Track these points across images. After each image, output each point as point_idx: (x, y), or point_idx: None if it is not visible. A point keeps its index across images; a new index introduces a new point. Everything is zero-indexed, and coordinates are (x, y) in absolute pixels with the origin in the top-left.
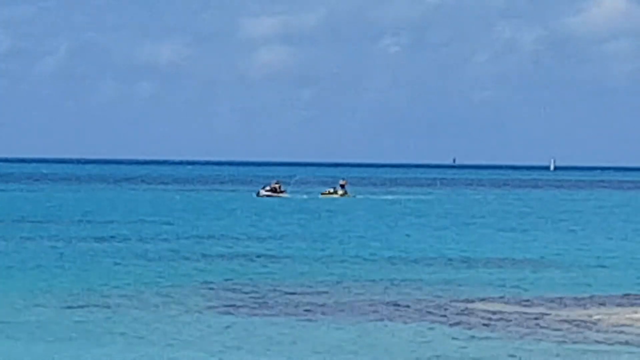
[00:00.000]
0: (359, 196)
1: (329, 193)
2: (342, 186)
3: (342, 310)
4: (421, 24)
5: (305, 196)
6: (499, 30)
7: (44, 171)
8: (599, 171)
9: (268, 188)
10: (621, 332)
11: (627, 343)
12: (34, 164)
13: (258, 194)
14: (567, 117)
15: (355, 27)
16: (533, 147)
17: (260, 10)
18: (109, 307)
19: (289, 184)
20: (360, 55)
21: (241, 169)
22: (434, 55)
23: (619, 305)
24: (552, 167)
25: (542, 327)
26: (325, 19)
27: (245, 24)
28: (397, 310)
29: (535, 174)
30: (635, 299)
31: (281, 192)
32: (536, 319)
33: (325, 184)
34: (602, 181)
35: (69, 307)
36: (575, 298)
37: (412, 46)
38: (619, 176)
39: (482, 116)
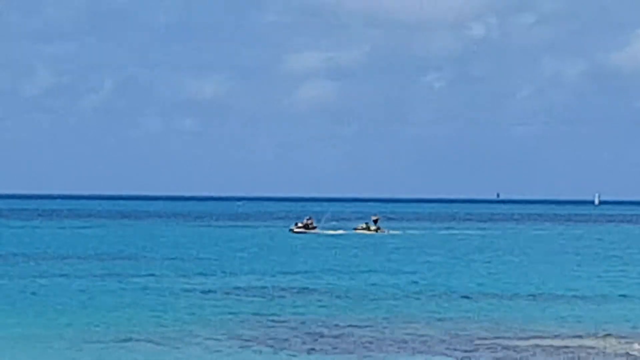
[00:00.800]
0: (392, 231)
1: (362, 229)
2: (375, 221)
3: (394, 346)
4: (465, 58)
5: (337, 232)
6: (543, 64)
7: (98, 208)
8: None
9: (300, 224)
10: None
11: None
12: (81, 201)
13: (291, 230)
14: (612, 151)
15: (398, 62)
16: (577, 182)
17: (304, 45)
18: (157, 342)
19: (320, 220)
20: (404, 89)
21: (282, 204)
22: (477, 89)
23: None
24: (596, 202)
25: None
26: (369, 54)
27: (289, 59)
28: (445, 345)
29: (580, 209)
30: None
31: (313, 227)
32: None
33: (358, 219)
34: None
35: (122, 341)
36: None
37: (456, 80)
38: None
39: (526, 150)
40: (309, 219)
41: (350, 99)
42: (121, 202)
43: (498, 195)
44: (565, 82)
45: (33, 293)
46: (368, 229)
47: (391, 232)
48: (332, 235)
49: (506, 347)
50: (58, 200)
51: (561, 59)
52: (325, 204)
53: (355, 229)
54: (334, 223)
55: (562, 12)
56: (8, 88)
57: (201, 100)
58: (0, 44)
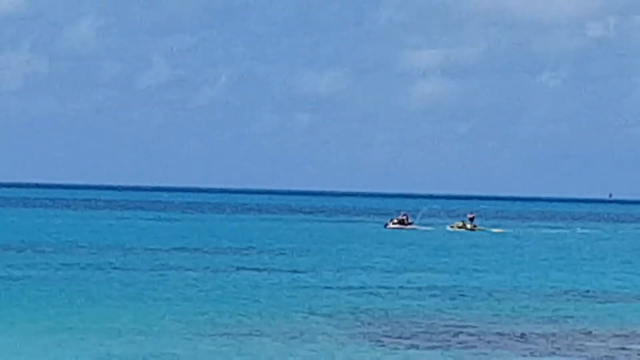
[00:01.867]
0: (493, 230)
1: (460, 226)
2: (471, 219)
3: (500, 343)
4: (582, 57)
5: (432, 228)
6: None
7: (213, 201)
8: None
9: (396, 220)
10: None
11: None
12: (195, 193)
13: (385, 226)
14: None
15: (515, 61)
16: None
17: (421, 42)
18: (242, 335)
19: (417, 214)
20: (519, 88)
21: (394, 200)
22: (593, 88)
23: None
24: None
25: None
26: (485, 53)
27: (406, 56)
28: (550, 345)
29: None
30: None
31: (409, 223)
32: None
33: (454, 216)
34: None
35: (209, 336)
36: None
37: (572, 80)
38: None
39: None
40: (404, 215)
41: (465, 97)
42: (236, 195)
43: (610, 195)
44: None
45: (147, 283)
46: (464, 226)
47: (493, 230)
48: (426, 232)
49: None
50: (174, 194)
51: None
52: (440, 200)
53: (451, 226)
54: (431, 219)
55: None
56: (124, 81)
57: (317, 96)
58: (119, 37)
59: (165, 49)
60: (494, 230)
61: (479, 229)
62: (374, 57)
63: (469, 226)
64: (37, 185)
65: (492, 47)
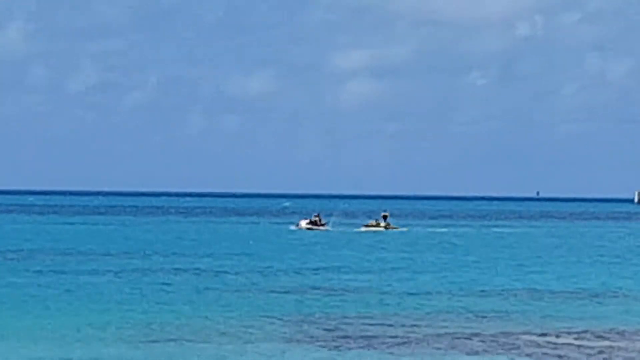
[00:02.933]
0: (402, 228)
1: (372, 225)
2: (384, 218)
3: (413, 343)
4: (509, 57)
5: (346, 229)
6: (588, 62)
7: (139, 204)
8: None
9: (308, 220)
10: None
11: None
12: (123, 197)
13: (297, 226)
14: None
15: (443, 61)
16: (618, 180)
17: (350, 43)
18: (178, 339)
19: (330, 215)
20: (448, 88)
21: (325, 201)
22: (521, 87)
23: None
24: (636, 200)
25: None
26: (415, 53)
27: (335, 56)
28: (451, 343)
29: (619, 207)
30: None
31: (322, 224)
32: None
33: (369, 216)
34: None
35: (140, 340)
36: None
37: (500, 79)
38: None
39: (568, 148)
40: (317, 215)
41: (395, 97)
42: (163, 198)
43: (538, 193)
44: (610, 80)
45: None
46: (378, 225)
47: (401, 229)
48: (341, 232)
49: (539, 344)
50: (100, 197)
51: (606, 57)
52: (368, 200)
53: (366, 225)
54: (346, 218)
55: (607, 10)
56: (54, 84)
57: (246, 97)
58: (49, 41)
59: (95, 52)
60: (403, 229)
61: (392, 228)
62: (303, 58)
63: (382, 224)
64: None
65: (421, 47)
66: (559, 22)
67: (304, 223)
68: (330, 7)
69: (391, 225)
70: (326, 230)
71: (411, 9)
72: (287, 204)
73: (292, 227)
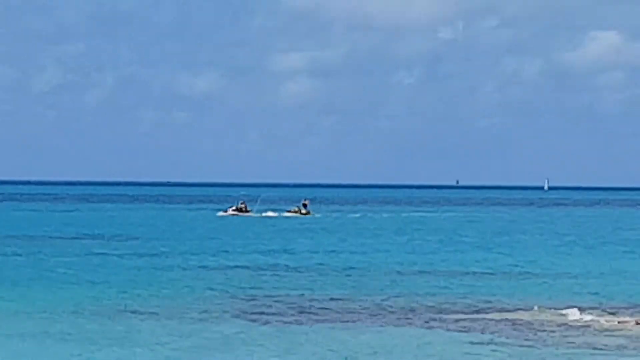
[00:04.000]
0: (317, 215)
1: (295, 212)
2: (305, 205)
3: (362, 316)
4: (434, 58)
5: (272, 213)
6: (504, 63)
7: (100, 193)
8: (589, 191)
9: (234, 207)
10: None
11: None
12: (85, 187)
13: (226, 211)
14: (562, 141)
15: (374, 62)
16: (530, 169)
17: (288, 46)
18: (138, 313)
19: (256, 202)
20: (378, 87)
21: (262, 189)
22: (444, 86)
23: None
24: (546, 187)
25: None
26: (347, 55)
27: (275, 58)
28: (399, 313)
29: (530, 194)
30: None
31: (247, 211)
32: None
33: (291, 203)
34: (592, 200)
35: (124, 312)
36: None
37: (425, 78)
38: (604, 195)
39: (485, 141)
40: (242, 202)
41: (329, 95)
42: (118, 187)
43: (457, 182)
44: (524, 79)
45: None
46: (299, 212)
47: (316, 215)
48: (265, 218)
49: (464, 319)
50: (65, 187)
51: (521, 58)
52: (306, 189)
53: (288, 211)
54: (269, 205)
55: (523, 15)
56: (18, 85)
57: (194, 95)
58: (12, 44)
59: (57, 54)
60: (317, 215)
61: (310, 215)
62: (246, 60)
63: (303, 211)
64: None
65: (353, 49)
66: (478, 27)
67: (229, 210)
68: (271, 13)
69: (311, 212)
70: (251, 215)
71: (344, 14)
72: (243, 192)
73: (220, 214)
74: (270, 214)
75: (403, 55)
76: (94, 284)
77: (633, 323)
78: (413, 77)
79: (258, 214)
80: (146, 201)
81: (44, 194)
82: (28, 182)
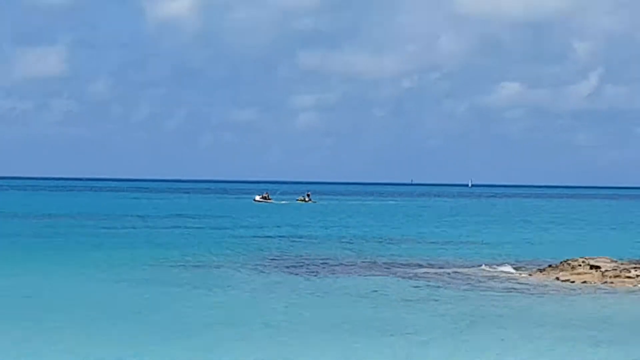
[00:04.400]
0: (320, 202)
1: (301, 200)
2: (308, 195)
3: (344, 268)
4: (398, 99)
5: (285, 202)
6: (444, 103)
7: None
8: (500, 188)
9: (261, 196)
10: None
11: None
12: (168, 183)
13: (254, 200)
14: (481, 154)
15: (358, 101)
16: (459, 172)
17: (302, 90)
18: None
19: (275, 193)
20: (360, 118)
21: (283, 185)
22: (404, 118)
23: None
24: (470, 185)
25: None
26: (341, 96)
27: (293, 99)
28: (372, 267)
29: (460, 189)
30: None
31: (269, 199)
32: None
33: (298, 194)
34: (503, 193)
35: (180, 265)
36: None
37: (392, 113)
38: (513, 190)
39: (430, 154)
40: (266, 192)
41: (329, 123)
42: (191, 183)
43: (412, 180)
44: (457, 114)
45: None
46: (304, 200)
47: (319, 202)
48: (281, 204)
49: (415, 271)
50: (154, 183)
51: (454, 100)
52: (313, 186)
53: (297, 199)
54: (284, 195)
55: (456, 71)
56: (122, 116)
57: (240, 123)
58: (119, 87)
59: (147, 95)
60: (320, 202)
61: (313, 202)
62: (274, 99)
63: (307, 200)
64: None
65: (345, 93)
66: (426, 78)
67: (258, 197)
68: (290, 69)
69: (313, 200)
70: (272, 202)
71: (339, 70)
72: (268, 187)
73: (255, 199)
74: (284, 202)
75: (378, 97)
76: (178, 246)
77: (526, 275)
78: (384, 112)
79: (277, 201)
80: (210, 193)
81: (143, 188)
82: (136, 180)
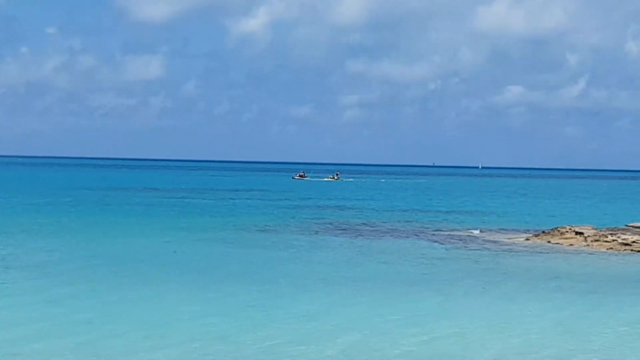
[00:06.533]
0: (345, 180)
1: (331, 178)
2: (337, 174)
3: (379, 233)
4: (424, 99)
5: (318, 179)
6: (462, 102)
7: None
8: (506, 169)
9: (298, 175)
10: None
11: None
12: (239, 164)
13: (293, 178)
14: (490, 141)
15: (392, 100)
16: (470, 156)
17: (347, 92)
18: (262, 230)
19: (310, 172)
20: (394, 113)
21: (321, 166)
22: (430, 114)
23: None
24: (480, 167)
25: (475, 245)
26: (378, 96)
27: (340, 98)
28: (398, 232)
29: (470, 171)
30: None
31: (305, 177)
32: (468, 238)
33: (328, 173)
34: (508, 174)
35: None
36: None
37: (420, 109)
38: (518, 172)
39: (450, 142)
40: (302, 172)
41: (369, 117)
42: (256, 164)
43: (434, 163)
44: (472, 110)
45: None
46: (334, 178)
47: (346, 180)
48: (318, 181)
49: (434, 235)
50: (231, 164)
51: (470, 99)
52: (354, 167)
53: (328, 177)
54: (317, 174)
55: (471, 77)
56: (231, 113)
57: (299, 117)
58: (208, 88)
59: (229, 95)
60: (349, 179)
61: (342, 180)
62: (327, 99)
63: (336, 178)
64: None
65: (382, 93)
66: (448, 82)
67: (296, 176)
68: (339, 75)
69: (342, 179)
70: (308, 179)
71: (377, 74)
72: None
73: (292, 178)
74: (317, 179)
75: (408, 97)
76: (250, 214)
77: (523, 239)
78: (413, 109)
79: (312, 179)
80: (273, 171)
81: (223, 168)
82: (217, 161)
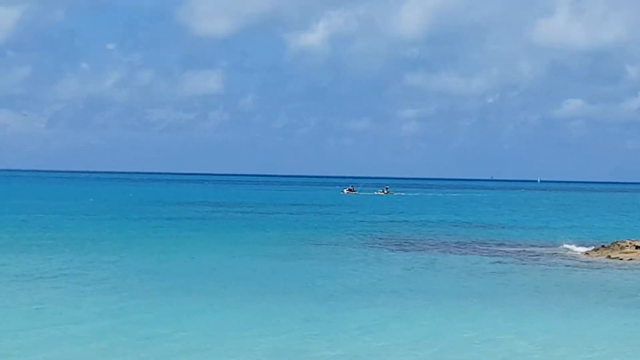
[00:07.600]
0: (396, 194)
1: (382, 192)
2: (387, 188)
3: (426, 245)
4: (482, 111)
5: (367, 193)
6: (520, 114)
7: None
8: (564, 183)
9: (347, 189)
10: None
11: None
12: (285, 178)
13: (342, 192)
14: (549, 154)
15: (450, 114)
16: (528, 170)
17: (405, 105)
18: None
19: (359, 186)
20: (451, 126)
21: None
22: (488, 125)
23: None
24: (538, 181)
25: (526, 259)
26: (436, 110)
27: (399, 112)
28: (451, 247)
29: (529, 184)
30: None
31: (354, 191)
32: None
33: (378, 187)
34: (566, 188)
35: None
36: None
37: (477, 121)
38: (577, 186)
39: (508, 154)
40: (352, 186)
41: (425, 131)
42: (309, 178)
43: (492, 177)
44: (530, 123)
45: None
46: (384, 192)
47: (395, 194)
48: (367, 195)
49: (494, 251)
50: (279, 178)
51: (529, 112)
52: (410, 180)
53: (378, 192)
54: (366, 188)
55: (529, 90)
56: (264, 124)
57: (356, 131)
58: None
59: (287, 109)
60: (400, 194)
61: (392, 193)
62: (384, 113)
63: (386, 192)
64: None
65: (439, 107)
66: (507, 95)
67: (345, 190)
68: (397, 88)
69: (391, 192)
70: (357, 193)
71: (434, 88)
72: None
73: (341, 192)
74: (366, 193)
75: (465, 110)
76: (307, 227)
77: (592, 251)
78: (470, 122)
79: (360, 192)
80: (328, 185)
81: (280, 182)
82: (274, 175)
